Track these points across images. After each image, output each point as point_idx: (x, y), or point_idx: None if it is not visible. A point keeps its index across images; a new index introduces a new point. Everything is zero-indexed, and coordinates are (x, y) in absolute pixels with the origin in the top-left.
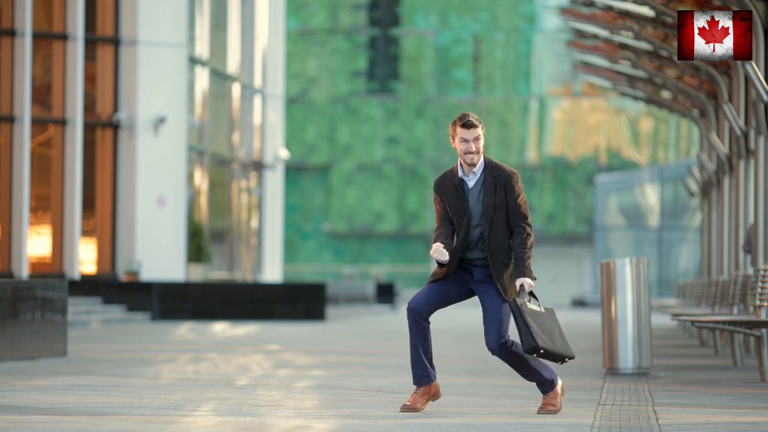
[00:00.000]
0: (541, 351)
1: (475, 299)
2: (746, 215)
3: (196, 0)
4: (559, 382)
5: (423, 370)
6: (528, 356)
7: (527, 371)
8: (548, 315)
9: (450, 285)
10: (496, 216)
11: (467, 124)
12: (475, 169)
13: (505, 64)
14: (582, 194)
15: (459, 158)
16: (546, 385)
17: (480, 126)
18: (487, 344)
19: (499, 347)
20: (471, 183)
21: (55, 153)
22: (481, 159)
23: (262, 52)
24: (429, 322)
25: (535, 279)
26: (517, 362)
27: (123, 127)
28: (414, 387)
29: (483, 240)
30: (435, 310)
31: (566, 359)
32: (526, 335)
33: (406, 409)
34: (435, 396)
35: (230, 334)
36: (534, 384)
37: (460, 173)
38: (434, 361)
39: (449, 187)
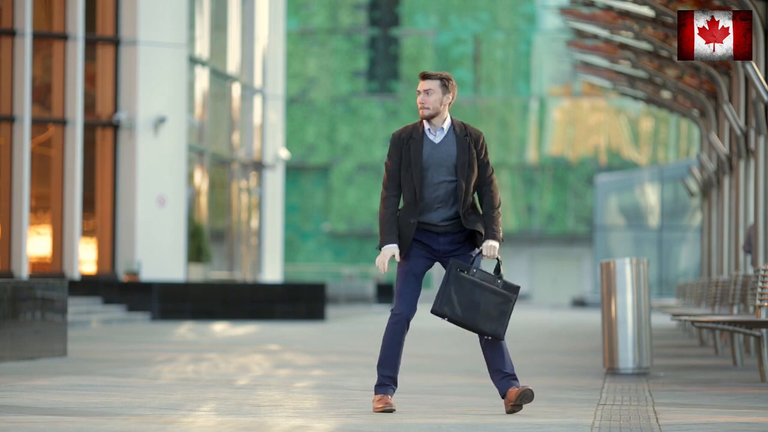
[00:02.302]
0: (446, 318)
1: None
2: (746, 215)
3: (196, 0)
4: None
5: (394, 381)
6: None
7: (507, 354)
8: (492, 291)
9: (419, 275)
10: (471, 173)
11: (422, 75)
12: (443, 125)
13: (505, 64)
14: (582, 194)
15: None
16: (516, 378)
17: (435, 80)
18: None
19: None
20: (436, 139)
21: (55, 153)
22: (445, 117)
23: (262, 52)
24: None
25: (503, 241)
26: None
27: (123, 127)
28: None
29: (458, 199)
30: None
31: (486, 336)
32: (438, 298)
33: (384, 407)
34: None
35: (230, 334)
36: (503, 381)
37: (424, 128)
38: (434, 361)
39: (411, 141)
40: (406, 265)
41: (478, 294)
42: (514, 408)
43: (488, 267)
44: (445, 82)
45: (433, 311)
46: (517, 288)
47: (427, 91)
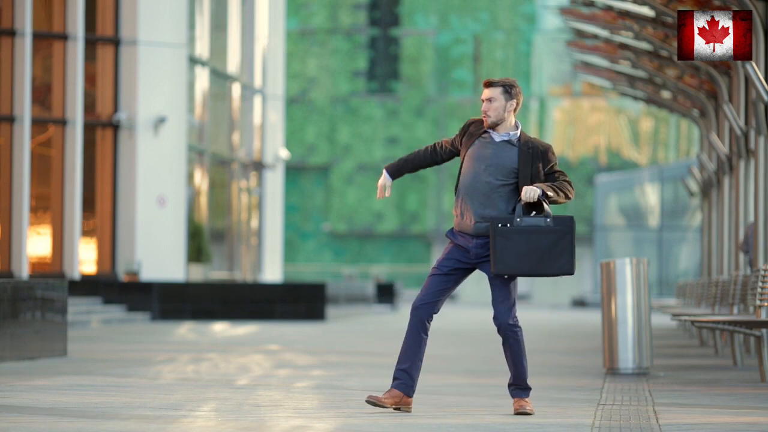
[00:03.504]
0: (507, 276)
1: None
2: (746, 215)
3: (196, 0)
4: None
5: (408, 377)
6: (523, 351)
7: (521, 364)
8: (542, 233)
9: (446, 275)
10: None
11: (485, 83)
12: (509, 131)
13: (505, 64)
14: (582, 194)
15: None
16: (525, 389)
17: (497, 87)
18: (495, 320)
19: (509, 326)
20: (497, 138)
21: (55, 153)
22: (513, 123)
23: (262, 52)
24: (429, 326)
25: (552, 196)
26: (513, 349)
27: (123, 127)
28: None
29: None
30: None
31: (558, 276)
32: (491, 260)
33: (372, 399)
34: (406, 405)
35: (230, 334)
36: (510, 386)
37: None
38: (433, 363)
39: (474, 134)
40: (437, 263)
41: (529, 240)
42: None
43: None
44: (508, 89)
45: (493, 274)
46: (570, 219)
47: (489, 99)
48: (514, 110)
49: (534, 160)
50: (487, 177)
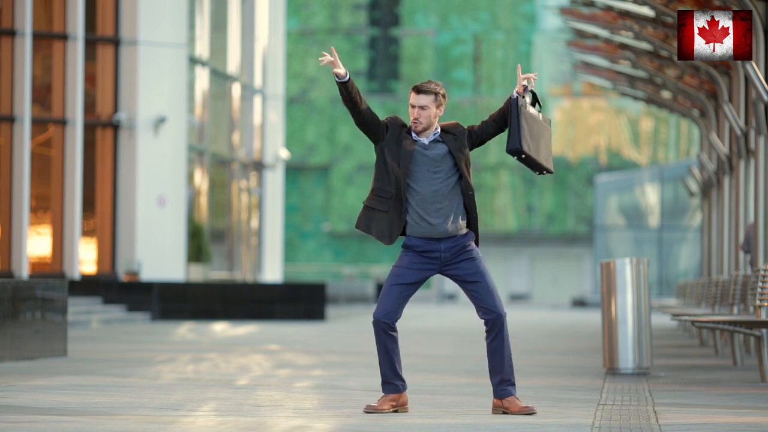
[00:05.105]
0: (523, 156)
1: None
2: (746, 215)
3: (196, 0)
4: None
5: (394, 379)
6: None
7: (510, 356)
8: (543, 123)
9: (408, 286)
10: (469, 172)
11: (417, 89)
12: (431, 133)
13: (505, 64)
14: (582, 194)
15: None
16: (513, 384)
17: (432, 95)
18: (490, 313)
19: (504, 316)
20: (426, 141)
21: (55, 153)
22: (435, 128)
23: (262, 52)
24: (396, 330)
25: (536, 79)
26: (505, 342)
27: (123, 127)
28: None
29: (466, 197)
30: (400, 316)
31: (545, 171)
32: (515, 135)
33: (370, 409)
34: (403, 406)
35: (230, 334)
36: (499, 386)
37: (413, 135)
38: (434, 361)
39: (402, 137)
40: (396, 271)
41: (541, 129)
42: (500, 411)
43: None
44: (439, 98)
45: (512, 150)
46: (549, 121)
47: (422, 107)
48: (438, 116)
49: (461, 142)
50: (440, 181)
